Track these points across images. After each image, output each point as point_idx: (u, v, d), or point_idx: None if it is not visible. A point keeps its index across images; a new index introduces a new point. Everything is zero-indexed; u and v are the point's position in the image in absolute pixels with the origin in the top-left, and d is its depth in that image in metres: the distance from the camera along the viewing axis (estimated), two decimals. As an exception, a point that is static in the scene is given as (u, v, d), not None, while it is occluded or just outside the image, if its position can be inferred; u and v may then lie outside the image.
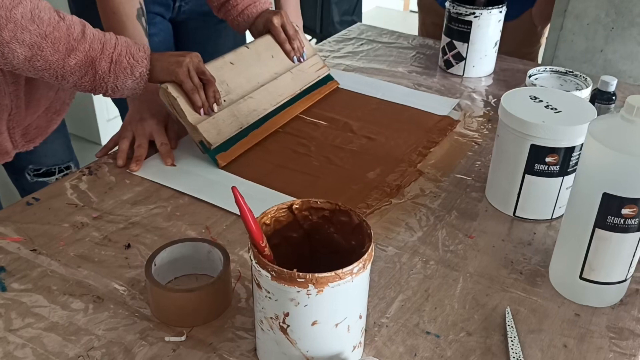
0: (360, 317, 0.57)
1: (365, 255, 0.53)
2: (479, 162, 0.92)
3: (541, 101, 0.77)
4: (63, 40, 0.77)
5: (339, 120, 1.03)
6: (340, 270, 0.51)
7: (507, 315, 0.64)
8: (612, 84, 0.97)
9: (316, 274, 0.51)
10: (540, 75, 1.07)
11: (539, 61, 1.46)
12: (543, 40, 1.44)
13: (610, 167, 0.58)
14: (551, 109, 0.75)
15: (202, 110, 0.88)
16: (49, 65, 0.77)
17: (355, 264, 0.52)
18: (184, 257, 0.68)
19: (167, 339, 0.62)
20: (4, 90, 0.87)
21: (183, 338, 0.62)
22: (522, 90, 0.80)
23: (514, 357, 0.59)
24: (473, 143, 0.97)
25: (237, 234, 0.76)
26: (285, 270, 0.51)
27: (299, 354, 0.55)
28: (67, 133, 1.13)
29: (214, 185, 0.85)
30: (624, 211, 0.59)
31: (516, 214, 0.80)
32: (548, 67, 1.08)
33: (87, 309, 0.65)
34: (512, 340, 0.61)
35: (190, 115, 0.87)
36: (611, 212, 0.60)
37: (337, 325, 0.54)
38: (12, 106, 0.90)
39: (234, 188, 0.52)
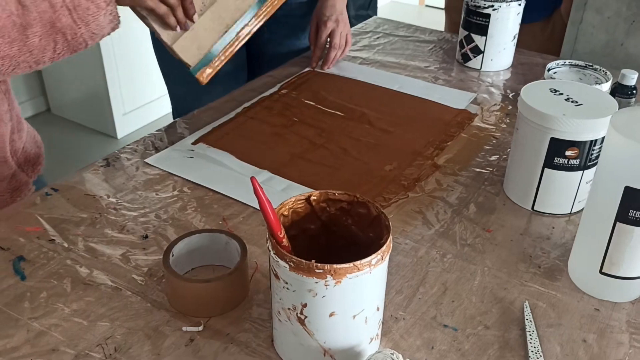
0: (378, 309, 0.57)
1: (384, 247, 0.53)
2: (497, 156, 0.91)
3: (561, 94, 0.76)
4: (8, 25, 0.66)
5: (355, 110, 1.02)
6: (358, 262, 0.51)
7: (525, 309, 0.64)
8: (633, 78, 0.96)
9: (334, 265, 0.51)
10: (559, 69, 1.05)
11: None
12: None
13: (632, 160, 0.58)
14: (572, 101, 0.75)
15: (179, 27, 0.80)
16: (15, 59, 0.67)
17: (373, 256, 0.52)
18: (202, 248, 0.69)
19: (184, 328, 0.62)
20: (5, 111, 0.82)
21: (200, 328, 0.62)
22: (542, 83, 0.79)
23: (532, 351, 0.59)
24: (491, 137, 0.97)
25: (254, 226, 0.76)
26: (304, 261, 0.51)
27: (316, 345, 0.55)
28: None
29: (231, 178, 0.85)
30: (647, 205, 0.58)
31: (535, 208, 0.79)
32: (567, 61, 1.07)
33: (105, 299, 0.66)
34: (530, 334, 0.61)
35: (165, 33, 0.80)
36: (633, 206, 0.59)
37: (354, 316, 0.54)
38: (11, 127, 0.85)
39: (252, 179, 0.52)
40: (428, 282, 0.68)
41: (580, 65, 1.04)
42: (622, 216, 0.60)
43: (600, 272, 0.64)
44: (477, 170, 0.88)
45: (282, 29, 1.27)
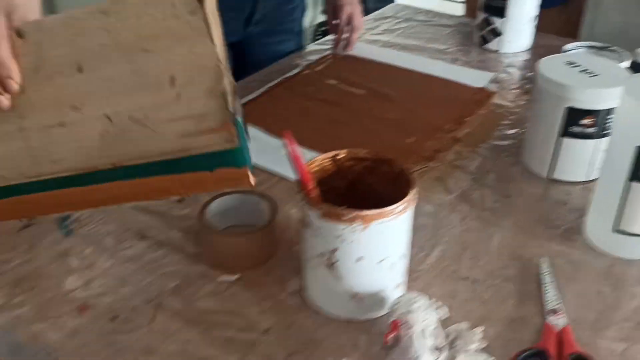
0: (403, 257, 0.60)
1: (408, 197, 0.56)
2: (515, 130, 0.94)
3: (577, 66, 0.79)
4: None
5: (377, 90, 1.06)
6: (384, 209, 0.55)
7: (542, 265, 0.67)
8: (650, 56, 0.98)
9: (362, 211, 0.55)
10: (576, 50, 1.08)
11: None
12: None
13: (644, 119, 0.61)
14: (587, 73, 0.78)
15: None
16: None
17: (399, 204, 0.56)
18: (234, 208, 0.73)
19: (219, 279, 0.67)
20: None
21: (234, 278, 0.67)
22: (558, 57, 0.82)
23: (549, 301, 0.62)
24: (509, 113, 1.00)
25: (282, 191, 0.80)
26: (334, 207, 0.55)
27: (345, 289, 0.59)
28: None
29: (258, 148, 0.89)
30: (658, 163, 0.61)
31: (552, 176, 0.82)
32: (584, 43, 1.09)
33: (146, 254, 0.70)
34: (546, 287, 0.64)
35: None
36: (646, 165, 0.62)
37: (380, 262, 0.58)
38: None
39: (286, 132, 0.56)
40: (448, 241, 0.72)
41: (597, 47, 1.07)
42: (635, 175, 0.63)
43: (615, 230, 0.67)
44: (496, 142, 0.92)
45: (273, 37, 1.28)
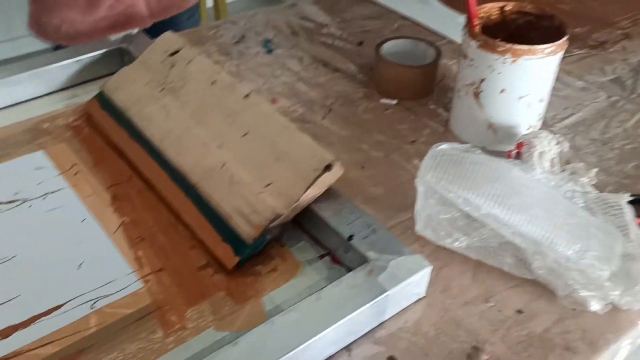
0: (542, 101, 0.70)
1: (560, 41, 0.65)
2: (692, 38, 0.95)
3: None
4: None
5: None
6: (535, 46, 0.64)
7: (674, 142, 0.72)
8: None
9: (514, 45, 0.64)
10: None
11: None
12: None
13: None
14: None
15: None
16: None
17: (549, 45, 0.64)
18: (405, 51, 0.85)
19: (382, 100, 0.81)
20: None
21: (394, 102, 0.80)
22: None
23: None
24: (691, 24, 0.99)
25: (448, 50, 0.91)
26: (490, 39, 0.65)
27: (485, 118, 0.70)
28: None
29: (435, 15, 1.00)
30: None
31: None
32: None
33: (327, 74, 0.86)
34: (672, 157, 0.70)
35: None
36: None
37: (520, 98, 0.68)
38: None
39: (464, -30, 0.67)
40: (590, 111, 0.79)
41: None
42: None
43: None
44: (667, 45, 0.93)
45: None
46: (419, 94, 0.81)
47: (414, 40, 0.85)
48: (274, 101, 0.81)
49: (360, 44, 0.94)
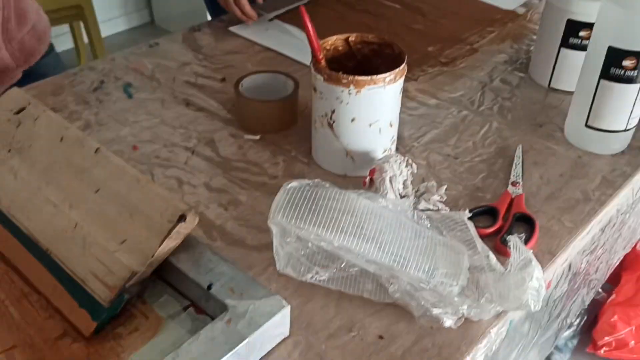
0: (391, 125, 0.73)
1: (397, 69, 0.68)
2: (532, 48, 1.02)
3: (585, -16, 0.86)
4: None
5: (412, 5, 1.16)
6: (375, 76, 0.67)
7: (517, 150, 0.78)
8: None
9: (356, 77, 0.67)
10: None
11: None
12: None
13: (616, 22, 0.69)
14: (591, -10, 0.85)
15: None
16: None
17: (388, 74, 0.67)
18: (265, 84, 0.86)
19: (245, 136, 0.81)
20: None
21: (258, 137, 0.81)
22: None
23: (513, 176, 0.73)
24: (531, 34, 1.07)
25: (308, 77, 0.93)
26: (334, 72, 0.68)
27: (341, 147, 0.73)
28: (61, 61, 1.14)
29: (295, 44, 1.02)
30: (625, 63, 0.70)
31: (551, 85, 0.91)
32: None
33: (190, 114, 0.86)
34: (515, 165, 0.75)
35: None
36: (614, 64, 0.71)
37: (370, 125, 0.71)
38: (3, 16, 0.94)
39: (301, 7, 0.69)
40: (443, 128, 0.83)
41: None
42: (605, 73, 0.72)
43: (586, 125, 0.77)
44: (511, 55, 1.00)
45: None
46: (281, 126, 0.83)
47: (272, 74, 0.87)
48: (135, 148, 0.79)
49: (223, 80, 0.94)
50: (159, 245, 0.56)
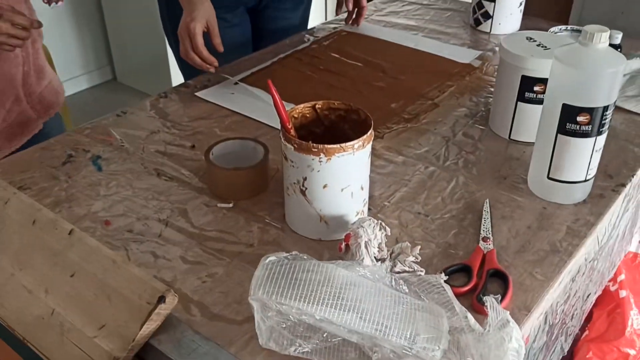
0: (362, 188, 0.74)
1: (365, 136, 0.70)
2: (490, 100, 1.07)
3: (535, 41, 0.91)
4: None
5: (373, 62, 1.20)
6: (344, 144, 0.69)
7: (485, 204, 0.80)
8: (617, 37, 1.09)
9: (326, 145, 0.69)
10: (561, 33, 1.19)
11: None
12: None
13: (568, 81, 0.73)
14: (542, 47, 0.90)
15: None
16: None
17: (356, 141, 0.69)
18: (234, 151, 0.88)
19: (219, 205, 0.82)
20: (18, 55, 0.99)
21: (231, 205, 0.82)
22: (521, 33, 0.94)
23: (483, 231, 0.76)
24: (488, 86, 1.12)
25: (279, 142, 0.95)
26: (304, 142, 0.69)
27: (315, 212, 0.74)
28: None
29: (262, 107, 1.04)
30: (579, 118, 0.74)
31: (511, 137, 0.94)
32: (568, 26, 1.20)
33: (161, 184, 0.86)
34: (484, 220, 0.77)
35: None
36: (569, 120, 0.74)
37: (342, 190, 0.72)
38: (24, 71, 1.00)
39: (269, 81, 0.71)
40: (411, 185, 0.86)
41: (579, 29, 1.18)
42: (562, 128, 0.75)
43: (548, 177, 0.80)
44: (471, 109, 1.04)
45: (285, 3, 1.43)
46: (253, 193, 0.83)
47: (242, 140, 0.88)
48: (107, 223, 0.79)
49: (192, 147, 0.95)
50: (140, 329, 0.55)
